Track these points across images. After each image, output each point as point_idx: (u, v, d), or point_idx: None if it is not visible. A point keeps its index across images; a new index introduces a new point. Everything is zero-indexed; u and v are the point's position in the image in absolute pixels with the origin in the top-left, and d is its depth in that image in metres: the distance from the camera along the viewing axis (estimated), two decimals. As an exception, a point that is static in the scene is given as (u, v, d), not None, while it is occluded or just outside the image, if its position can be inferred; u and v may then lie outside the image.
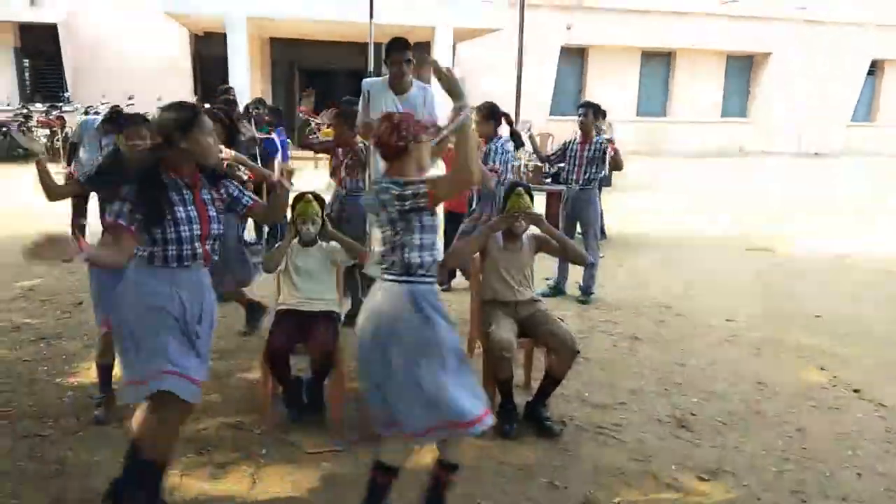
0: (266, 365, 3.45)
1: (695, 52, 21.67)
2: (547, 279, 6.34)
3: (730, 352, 4.91)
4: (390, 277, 2.50)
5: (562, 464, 3.29)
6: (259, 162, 7.02)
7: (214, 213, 2.62)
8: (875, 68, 23.39)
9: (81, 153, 5.84)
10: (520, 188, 3.67)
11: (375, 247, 3.54)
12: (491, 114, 5.48)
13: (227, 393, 3.94)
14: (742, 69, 22.87)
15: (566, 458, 3.35)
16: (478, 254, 3.83)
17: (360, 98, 4.36)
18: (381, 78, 4.41)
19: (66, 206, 4.42)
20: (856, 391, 4.31)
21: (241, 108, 7.69)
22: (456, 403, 2.40)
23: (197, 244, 2.54)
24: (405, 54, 4.19)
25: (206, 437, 3.42)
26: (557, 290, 6.19)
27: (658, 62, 22.10)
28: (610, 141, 5.98)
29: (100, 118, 5.76)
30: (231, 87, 8.08)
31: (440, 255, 2.59)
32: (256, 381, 3.78)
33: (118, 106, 13.79)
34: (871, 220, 10.89)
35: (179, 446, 3.27)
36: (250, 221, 7.59)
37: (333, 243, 3.74)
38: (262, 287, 5.06)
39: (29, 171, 3.15)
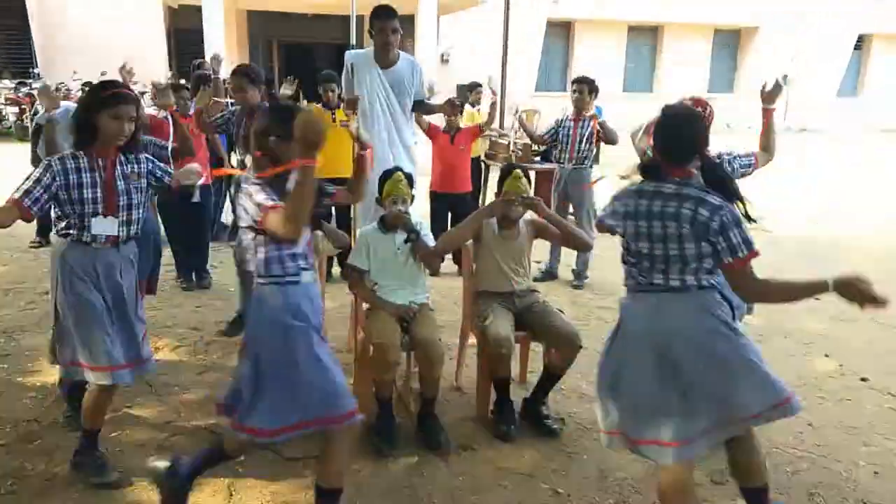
0: (242, 363, 3.18)
1: (681, 27, 21.36)
2: (538, 262, 6.10)
3: (731, 339, 4.70)
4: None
5: (564, 468, 3.07)
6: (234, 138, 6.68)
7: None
8: (861, 43, 23.22)
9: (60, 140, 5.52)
10: (517, 170, 3.40)
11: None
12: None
13: (202, 391, 3.68)
14: (729, 44, 22.61)
15: (568, 461, 3.13)
16: (471, 241, 3.56)
17: (343, 72, 4.05)
18: (365, 50, 4.09)
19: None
20: (864, 380, 4.14)
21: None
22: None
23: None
24: (392, 23, 3.86)
25: (178, 443, 3.16)
26: (549, 275, 5.97)
27: (644, 36, 21.78)
28: (593, 117, 5.68)
29: (72, 107, 5.42)
30: (204, 62, 7.70)
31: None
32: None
33: (91, 83, 13.35)
34: (867, 197, 10.75)
35: (151, 455, 3.03)
36: (227, 203, 7.28)
37: (315, 231, 3.45)
38: (231, 278, 4.77)
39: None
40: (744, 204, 2.28)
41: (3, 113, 14.17)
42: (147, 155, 2.89)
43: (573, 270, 5.81)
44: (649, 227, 2.27)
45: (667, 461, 2.27)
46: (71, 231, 2.65)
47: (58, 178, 2.57)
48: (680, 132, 2.31)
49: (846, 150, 17.48)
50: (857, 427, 3.55)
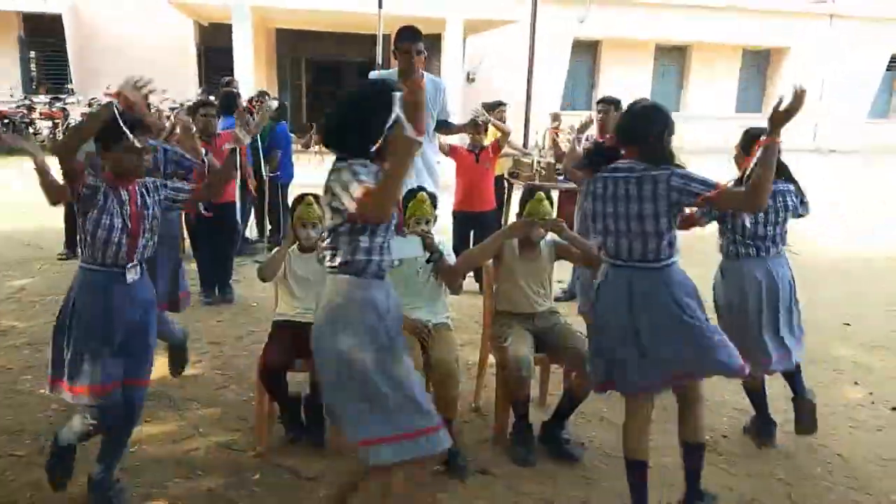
0: (260, 381, 3.17)
1: (710, 47, 21.24)
2: (560, 282, 6.05)
3: (758, 364, 4.60)
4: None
5: (584, 495, 3.01)
6: (261, 155, 6.76)
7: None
8: (894, 63, 22.89)
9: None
10: (539, 192, 3.37)
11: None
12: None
13: (220, 408, 3.68)
14: (758, 63, 22.42)
15: (588, 488, 3.07)
16: (492, 261, 3.54)
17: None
18: (389, 71, 4.10)
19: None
20: (894, 409, 4.01)
21: (244, 100, 7.42)
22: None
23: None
24: (416, 44, 3.86)
25: (196, 459, 3.16)
26: (572, 295, 5.90)
27: (672, 56, 21.69)
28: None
29: None
30: (233, 79, 7.83)
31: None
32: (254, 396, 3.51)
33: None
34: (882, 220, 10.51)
35: (167, 469, 3.03)
36: (252, 218, 7.35)
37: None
38: (254, 293, 4.81)
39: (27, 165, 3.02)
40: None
41: (38, 127, 14.48)
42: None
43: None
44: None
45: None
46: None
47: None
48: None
49: (876, 171, 17.16)
50: (890, 459, 3.43)
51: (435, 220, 3.43)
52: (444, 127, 4.20)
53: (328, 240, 2.27)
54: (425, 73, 4.06)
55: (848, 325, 5.46)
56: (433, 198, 3.42)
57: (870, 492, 3.13)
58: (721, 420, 3.77)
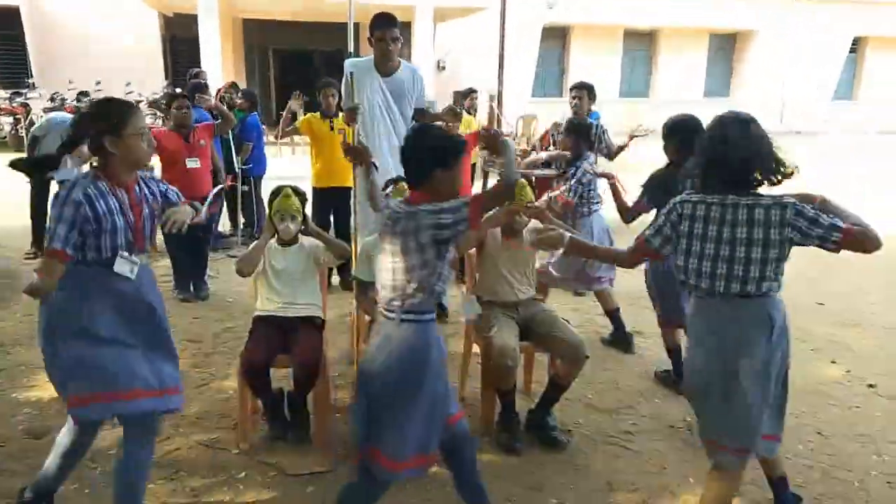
0: (243, 378, 3.12)
1: (677, 31, 21.38)
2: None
3: (737, 345, 4.65)
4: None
5: (572, 481, 3.01)
6: (233, 147, 6.64)
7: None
8: (857, 45, 23.28)
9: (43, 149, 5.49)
10: (521, 180, 3.35)
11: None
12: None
13: (202, 405, 3.61)
14: (725, 47, 22.64)
15: (576, 473, 3.07)
16: (474, 250, 3.51)
17: (343, 80, 3.99)
18: (365, 58, 4.04)
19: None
20: (871, 386, 4.09)
21: (212, 92, 7.26)
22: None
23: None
24: (392, 31, 3.81)
25: (179, 458, 3.10)
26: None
27: (641, 41, 21.79)
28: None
29: (70, 118, 5.39)
30: (202, 71, 7.67)
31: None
32: (235, 393, 3.45)
33: (87, 92, 13.27)
34: (868, 200, 10.68)
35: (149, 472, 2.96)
36: (224, 211, 7.23)
37: (316, 241, 3.39)
38: (230, 288, 4.73)
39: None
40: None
41: (-1, 122, 14.10)
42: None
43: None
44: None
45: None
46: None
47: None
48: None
49: (842, 153, 17.46)
50: (868, 435, 3.49)
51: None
52: (421, 115, 4.16)
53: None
54: (402, 62, 4.01)
55: (821, 304, 5.54)
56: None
57: (850, 468, 3.18)
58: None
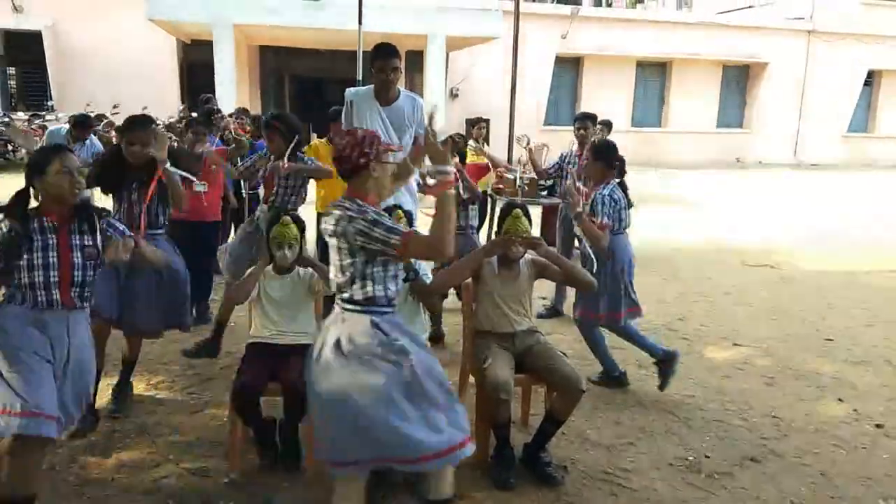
0: (233, 406, 3.09)
1: (690, 62, 21.48)
2: (543, 298, 6.02)
3: (740, 381, 4.57)
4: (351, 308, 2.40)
5: (564, 519, 2.95)
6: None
7: (80, 260, 2.57)
8: (872, 79, 23.25)
9: None
10: (517, 209, 3.33)
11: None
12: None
13: (194, 432, 3.58)
14: (738, 79, 22.69)
15: (569, 511, 3.01)
16: (470, 280, 3.49)
17: (344, 108, 4.02)
18: (366, 87, 4.07)
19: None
20: (878, 426, 3.98)
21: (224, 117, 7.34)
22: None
23: (54, 291, 2.54)
24: (392, 61, 3.84)
25: (167, 487, 3.06)
26: (554, 311, 5.86)
27: (653, 72, 21.90)
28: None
29: (66, 126, 5.45)
30: (212, 97, 7.76)
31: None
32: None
33: (104, 115, 13.49)
34: (879, 234, 10.58)
35: (137, 499, 2.94)
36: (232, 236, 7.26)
37: (311, 270, 3.38)
38: (233, 313, 4.70)
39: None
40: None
41: (17, 145, 14.33)
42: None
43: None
44: None
45: None
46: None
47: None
48: None
49: (856, 185, 17.35)
50: (873, 478, 3.39)
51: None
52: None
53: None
54: (402, 90, 4.04)
55: (830, 340, 5.45)
56: (409, 215, 3.38)
57: (855, 512, 3.09)
58: (704, 439, 3.71)
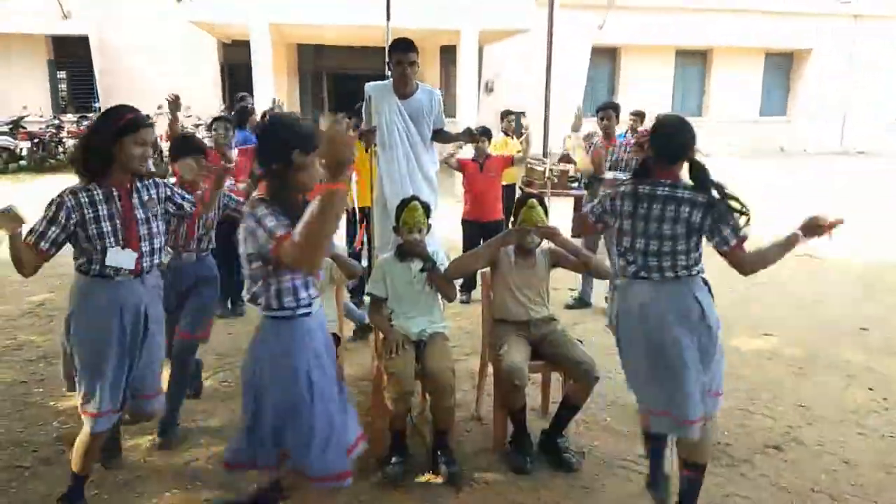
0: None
1: (731, 50, 21.00)
2: (571, 290, 6.03)
3: (769, 371, 4.52)
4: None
5: (580, 503, 2.98)
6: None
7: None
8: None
9: None
10: (532, 199, 3.37)
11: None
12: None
13: (224, 420, 3.72)
14: (781, 66, 22.09)
15: (587, 497, 3.04)
16: (488, 269, 3.54)
17: (364, 103, 4.11)
18: (384, 81, 4.15)
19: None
20: (908, 416, 3.92)
21: (258, 114, 7.53)
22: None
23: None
24: (409, 55, 3.91)
25: (195, 469, 3.19)
26: (582, 302, 5.87)
27: (693, 61, 21.46)
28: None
29: None
30: (246, 95, 7.96)
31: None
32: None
33: (148, 115, 13.92)
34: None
35: (166, 481, 3.07)
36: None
37: (328, 259, 3.47)
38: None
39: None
40: (735, 199, 2.57)
41: (67, 146, 14.84)
42: (164, 181, 2.90)
43: (606, 297, 5.70)
44: (646, 227, 2.61)
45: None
46: (93, 266, 2.58)
47: (73, 215, 2.51)
48: (672, 138, 2.63)
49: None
50: (897, 466, 3.35)
51: (428, 229, 3.45)
52: (440, 136, 4.24)
53: None
54: (420, 84, 4.10)
55: (865, 329, 5.34)
56: (426, 207, 3.44)
57: (876, 500, 3.05)
58: (726, 427, 3.70)
